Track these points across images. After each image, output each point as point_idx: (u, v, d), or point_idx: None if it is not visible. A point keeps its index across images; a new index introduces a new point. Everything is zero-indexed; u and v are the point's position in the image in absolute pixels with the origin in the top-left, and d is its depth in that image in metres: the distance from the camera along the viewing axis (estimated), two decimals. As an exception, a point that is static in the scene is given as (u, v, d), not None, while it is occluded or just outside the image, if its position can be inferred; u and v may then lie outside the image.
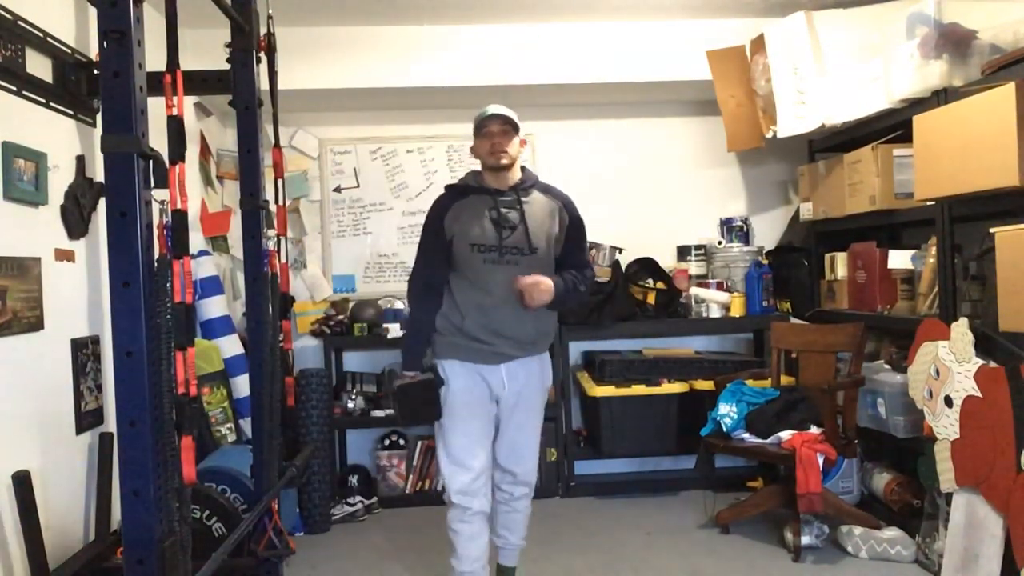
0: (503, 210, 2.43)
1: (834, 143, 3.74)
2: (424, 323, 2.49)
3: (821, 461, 2.98)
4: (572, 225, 2.55)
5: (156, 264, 1.65)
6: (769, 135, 3.70)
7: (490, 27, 3.83)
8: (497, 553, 2.70)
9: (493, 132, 2.41)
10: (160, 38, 1.78)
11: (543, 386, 2.60)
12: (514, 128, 2.43)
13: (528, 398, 2.52)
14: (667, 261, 4.26)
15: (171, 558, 1.61)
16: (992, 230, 2.51)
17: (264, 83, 2.69)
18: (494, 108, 2.44)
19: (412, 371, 2.47)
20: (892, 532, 3.04)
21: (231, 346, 3.53)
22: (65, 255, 2.47)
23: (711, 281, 4.12)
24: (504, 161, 2.42)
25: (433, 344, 2.51)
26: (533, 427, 2.58)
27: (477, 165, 2.54)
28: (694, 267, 4.24)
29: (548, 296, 2.38)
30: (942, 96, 2.84)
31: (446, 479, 2.45)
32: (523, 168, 2.53)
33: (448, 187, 2.56)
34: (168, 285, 1.69)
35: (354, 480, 3.91)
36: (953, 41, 2.78)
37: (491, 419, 2.50)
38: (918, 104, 2.96)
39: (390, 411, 3.86)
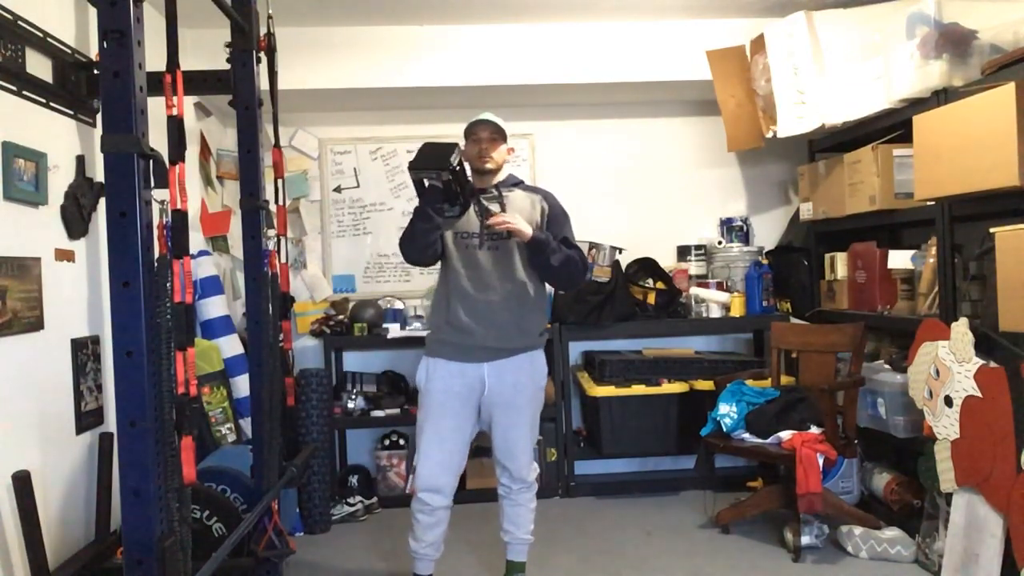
0: (485, 202, 2.54)
1: (834, 143, 3.74)
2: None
3: (821, 461, 2.98)
4: (553, 213, 2.62)
5: (156, 264, 1.65)
6: (769, 135, 3.70)
7: (490, 27, 3.83)
8: (505, 549, 2.72)
9: (482, 138, 2.56)
10: (160, 38, 1.79)
11: (534, 384, 2.62)
12: (502, 136, 2.58)
13: (517, 396, 2.56)
14: (667, 261, 4.26)
15: (171, 558, 1.60)
16: (992, 230, 2.51)
17: (264, 83, 2.70)
18: (486, 115, 2.56)
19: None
20: (892, 532, 3.04)
21: (231, 346, 3.53)
22: (65, 255, 2.47)
23: (711, 281, 4.13)
24: (489, 166, 2.57)
25: (425, 344, 2.63)
26: (525, 425, 2.60)
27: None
28: (694, 267, 4.24)
29: (524, 228, 2.41)
30: (942, 96, 2.85)
31: (416, 473, 2.56)
32: (509, 174, 2.67)
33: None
34: (168, 285, 1.68)
35: (354, 480, 3.91)
36: (953, 41, 2.79)
37: (469, 418, 2.57)
38: (918, 104, 2.96)
39: (390, 411, 3.87)
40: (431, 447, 2.53)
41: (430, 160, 2.33)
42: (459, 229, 2.55)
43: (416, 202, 2.49)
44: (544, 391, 2.70)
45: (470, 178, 2.50)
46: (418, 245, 2.51)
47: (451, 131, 4.24)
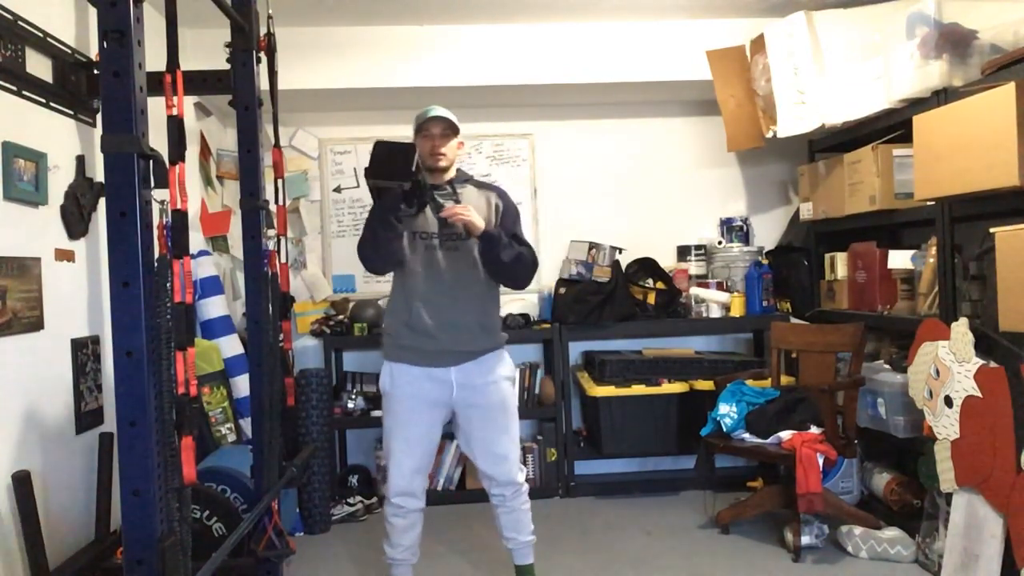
0: (440, 200, 2.50)
1: (834, 143, 3.74)
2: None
3: (821, 461, 2.98)
4: (507, 210, 2.59)
5: (156, 264, 1.64)
6: (769, 135, 3.70)
7: (490, 27, 3.83)
8: (511, 556, 2.70)
9: (434, 134, 2.49)
10: (160, 38, 1.78)
11: (507, 380, 2.57)
12: (454, 131, 2.51)
13: (490, 397, 2.52)
14: (667, 261, 4.26)
15: (171, 558, 1.60)
16: (992, 230, 2.51)
17: (264, 83, 2.69)
18: (436, 110, 2.50)
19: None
20: (892, 532, 3.04)
21: (231, 346, 3.53)
22: (65, 255, 2.47)
23: (711, 281, 4.13)
24: (442, 163, 2.51)
25: (383, 347, 2.58)
26: (501, 425, 2.55)
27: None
28: (694, 267, 4.24)
29: (477, 220, 2.38)
30: (942, 96, 2.84)
31: (388, 479, 2.56)
32: (458, 169, 2.62)
33: None
34: (168, 285, 1.68)
35: (354, 480, 3.91)
36: (953, 41, 2.79)
37: (437, 422, 2.55)
38: (918, 104, 2.96)
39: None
40: (403, 454, 2.52)
41: (391, 170, 2.29)
42: (416, 228, 2.48)
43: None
44: (515, 385, 2.65)
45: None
46: (383, 254, 2.44)
47: (451, 131, 4.27)
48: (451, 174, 2.57)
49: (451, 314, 2.46)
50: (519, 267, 2.49)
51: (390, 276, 2.62)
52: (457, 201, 2.50)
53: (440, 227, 2.48)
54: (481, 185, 2.66)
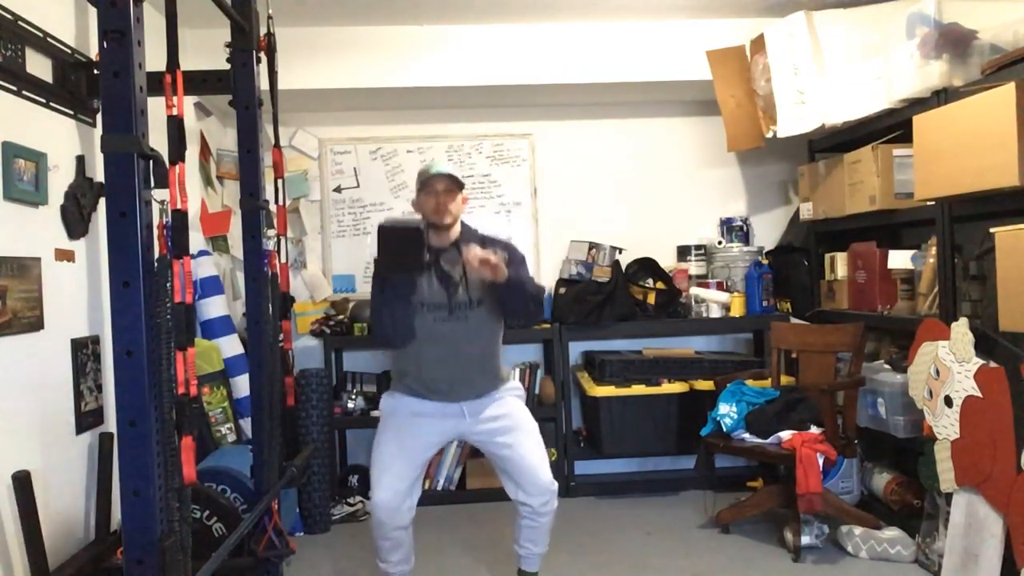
0: (446, 267, 2.47)
1: (834, 143, 3.74)
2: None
3: (821, 461, 2.98)
4: (513, 259, 2.50)
5: (156, 264, 1.64)
6: (769, 135, 3.70)
7: (490, 27, 3.83)
8: (518, 560, 2.68)
9: (438, 191, 2.44)
10: (160, 38, 1.78)
11: (519, 399, 2.62)
12: (458, 186, 2.47)
13: (508, 419, 2.54)
14: (667, 261, 4.26)
15: (171, 558, 1.60)
16: (992, 230, 2.51)
17: (264, 83, 2.69)
18: (439, 167, 2.46)
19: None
20: (892, 532, 3.04)
21: (231, 346, 3.53)
22: (65, 255, 2.47)
23: (711, 281, 4.13)
24: (447, 220, 2.46)
25: (390, 384, 2.60)
26: (531, 437, 2.55)
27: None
28: (694, 267, 4.24)
29: (497, 272, 2.31)
30: (942, 96, 2.84)
31: (372, 495, 2.46)
32: (463, 223, 2.56)
33: None
34: (168, 285, 1.68)
35: (354, 480, 3.91)
36: (953, 41, 2.78)
37: (431, 444, 2.54)
38: (918, 104, 2.96)
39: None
40: (392, 458, 2.46)
41: (403, 259, 2.29)
42: (424, 300, 2.44)
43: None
44: (523, 401, 2.67)
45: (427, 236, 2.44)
46: (402, 332, 2.42)
47: (451, 131, 4.28)
48: (456, 229, 2.52)
49: (460, 373, 2.49)
50: (538, 305, 2.53)
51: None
52: (464, 268, 2.44)
53: (449, 298, 2.45)
54: (486, 241, 2.55)
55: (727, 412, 3.33)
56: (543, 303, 2.54)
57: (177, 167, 1.70)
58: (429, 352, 2.46)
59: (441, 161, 2.53)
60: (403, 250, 2.29)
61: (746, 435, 3.25)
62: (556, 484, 2.57)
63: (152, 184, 1.63)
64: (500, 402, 2.56)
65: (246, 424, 3.41)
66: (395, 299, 2.39)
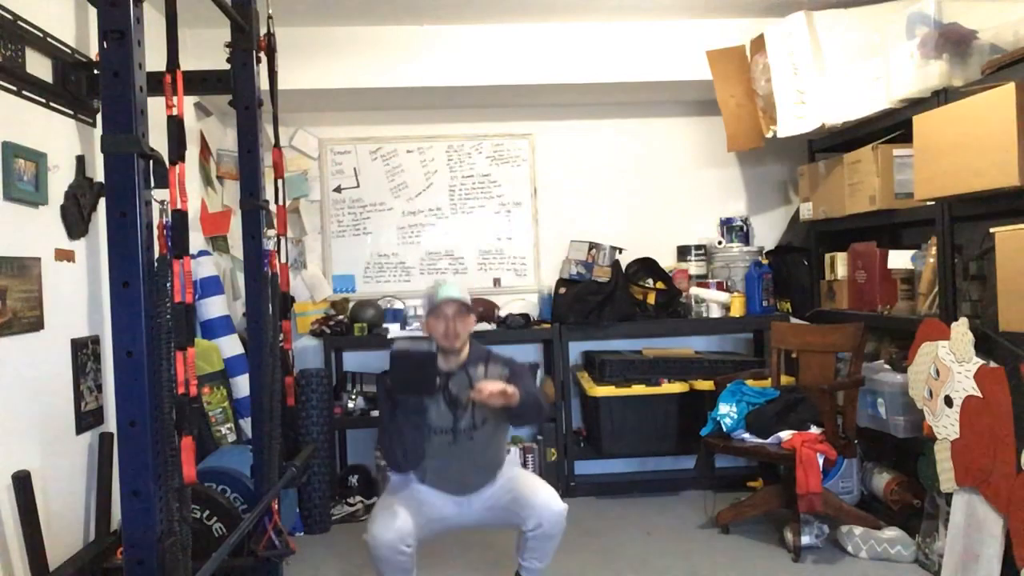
0: (454, 391, 2.49)
1: (834, 143, 3.74)
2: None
3: (821, 461, 2.98)
4: (514, 373, 2.54)
5: (156, 264, 1.65)
6: (769, 135, 3.71)
7: (490, 27, 3.83)
8: (519, 567, 2.64)
9: (448, 315, 2.46)
10: (160, 38, 1.79)
11: (513, 467, 2.68)
12: (468, 310, 2.50)
13: (502, 481, 2.58)
14: (667, 261, 4.26)
15: (171, 558, 1.61)
16: (992, 230, 2.51)
17: (264, 83, 2.69)
18: (448, 290, 2.48)
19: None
20: (892, 532, 3.04)
21: (231, 346, 3.53)
22: (65, 255, 2.47)
23: (711, 281, 4.13)
24: (458, 345, 2.49)
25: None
26: (530, 482, 2.57)
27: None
28: (694, 267, 4.24)
29: (511, 400, 2.34)
30: (942, 96, 2.84)
31: (372, 524, 2.38)
32: (470, 342, 2.58)
33: None
34: (168, 285, 1.68)
35: (354, 480, 3.91)
36: (953, 41, 2.79)
37: (446, 517, 2.55)
38: (918, 104, 2.96)
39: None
40: (403, 507, 2.42)
41: (416, 383, 2.33)
42: (432, 423, 2.47)
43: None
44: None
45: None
46: (413, 455, 2.44)
47: (450, 131, 4.28)
48: (465, 351, 2.54)
49: (464, 480, 2.55)
50: (546, 414, 2.62)
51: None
52: (471, 387, 2.45)
53: (455, 422, 2.49)
54: (490, 359, 2.59)
55: (727, 412, 3.33)
56: (550, 408, 2.58)
57: (177, 167, 1.70)
58: (435, 465, 2.52)
59: (449, 282, 2.54)
60: (417, 374, 2.33)
61: (746, 435, 3.25)
62: (566, 507, 2.53)
63: (152, 184, 1.64)
64: (504, 480, 2.61)
65: (246, 424, 3.42)
66: (406, 424, 2.41)
